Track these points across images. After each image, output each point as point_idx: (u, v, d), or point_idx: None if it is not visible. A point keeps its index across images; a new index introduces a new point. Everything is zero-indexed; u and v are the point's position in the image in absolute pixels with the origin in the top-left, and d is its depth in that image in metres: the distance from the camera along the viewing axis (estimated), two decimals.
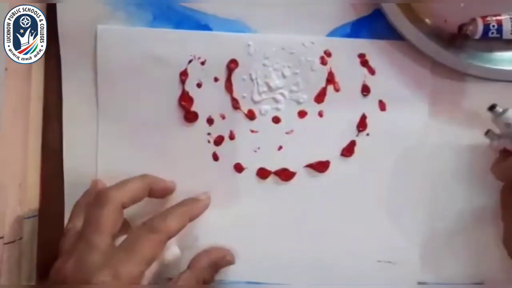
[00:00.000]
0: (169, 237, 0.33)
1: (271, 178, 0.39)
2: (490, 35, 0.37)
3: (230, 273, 0.40)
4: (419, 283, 0.40)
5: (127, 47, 0.38)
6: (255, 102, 0.39)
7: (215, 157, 0.39)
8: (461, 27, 0.38)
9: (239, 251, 0.39)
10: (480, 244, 0.40)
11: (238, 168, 0.39)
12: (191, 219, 0.35)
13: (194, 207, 0.36)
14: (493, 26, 0.37)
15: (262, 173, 0.39)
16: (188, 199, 0.37)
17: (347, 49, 0.39)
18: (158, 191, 0.36)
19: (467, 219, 0.40)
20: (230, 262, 0.39)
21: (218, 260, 0.38)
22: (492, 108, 0.36)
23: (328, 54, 0.39)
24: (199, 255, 0.38)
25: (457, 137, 0.39)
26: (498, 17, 0.37)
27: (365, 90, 0.39)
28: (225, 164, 0.39)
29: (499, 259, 0.39)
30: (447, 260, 0.40)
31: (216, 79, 0.39)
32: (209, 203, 0.38)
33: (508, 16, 0.37)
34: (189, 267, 0.37)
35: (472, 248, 0.40)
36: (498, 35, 0.37)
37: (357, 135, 0.39)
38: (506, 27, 0.37)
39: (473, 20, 0.37)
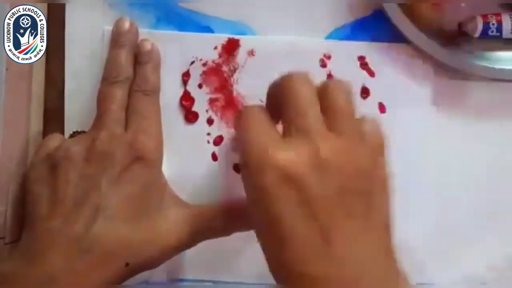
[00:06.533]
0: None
1: None
2: (490, 33, 0.37)
3: (231, 273, 0.39)
4: (418, 283, 0.39)
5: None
6: (255, 103, 0.38)
7: (214, 157, 0.39)
8: (460, 25, 0.38)
9: (239, 251, 0.39)
10: (483, 244, 0.39)
11: (237, 168, 0.39)
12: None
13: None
14: (493, 24, 0.37)
15: None
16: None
17: (346, 52, 0.39)
18: None
19: (470, 220, 0.39)
20: None
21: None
22: None
23: (327, 56, 0.39)
24: (233, 200, 0.38)
25: (459, 137, 0.39)
26: (498, 16, 0.37)
27: (365, 92, 0.39)
28: (224, 164, 0.39)
29: (502, 259, 0.39)
30: (447, 261, 0.39)
31: (216, 80, 0.39)
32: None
33: (508, 15, 0.37)
34: None
35: (474, 248, 0.39)
36: (498, 34, 0.37)
37: None
38: (506, 26, 0.37)
39: (473, 18, 0.37)
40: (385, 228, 0.29)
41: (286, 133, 0.29)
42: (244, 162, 0.29)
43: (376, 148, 0.30)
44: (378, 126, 0.30)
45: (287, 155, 0.28)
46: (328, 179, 0.28)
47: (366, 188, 0.29)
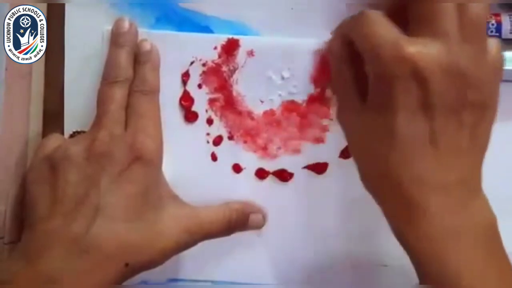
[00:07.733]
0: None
1: (270, 179, 0.39)
2: (489, 33, 0.37)
3: (227, 273, 0.39)
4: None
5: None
6: (254, 103, 0.39)
7: (214, 157, 0.39)
8: None
9: (238, 251, 0.39)
10: None
11: (237, 168, 0.39)
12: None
13: None
14: (492, 24, 0.37)
15: (261, 174, 0.39)
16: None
17: None
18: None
19: None
20: (261, 222, 0.39)
21: (251, 214, 0.38)
22: None
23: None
24: (231, 202, 0.38)
25: None
26: (498, 16, 0.37)
27: None
28: (223, 164, 0.39)
29: None
30: None
31: (216, 80, 0.39)
32: None
33: (507, 16, 0.37)
34: None
35: None
36: (498, 34, 0.37)
37: None
38: (505, 26, 0.37)
39: None
40: (484, 149, 0.31)
41: (417, 32, 0.29)
42: (374, 54, 0.29)
43: (497, 68, 0.30)
44: (501, 50, 0.31)
45: (420, 49, 0.28)
46: (452, 83, 0.28)
47: (481, 101, 0.29)
